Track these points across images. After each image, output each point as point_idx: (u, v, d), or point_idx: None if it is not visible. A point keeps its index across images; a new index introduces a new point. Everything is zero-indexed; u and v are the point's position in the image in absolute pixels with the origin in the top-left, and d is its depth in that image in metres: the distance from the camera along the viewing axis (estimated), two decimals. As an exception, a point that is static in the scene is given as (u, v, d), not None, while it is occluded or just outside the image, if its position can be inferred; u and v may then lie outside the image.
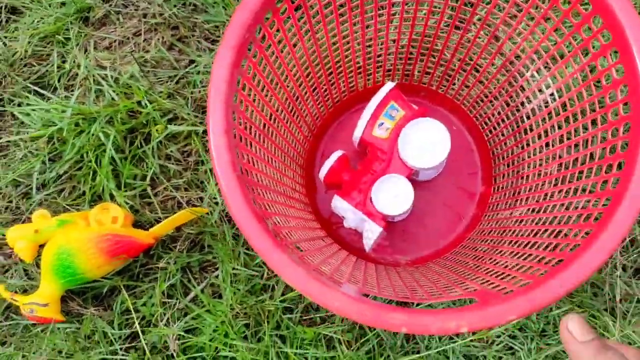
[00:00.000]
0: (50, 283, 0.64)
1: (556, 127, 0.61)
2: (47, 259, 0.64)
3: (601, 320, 0.71)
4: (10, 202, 0.74)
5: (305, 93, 0.69)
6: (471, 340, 0.72)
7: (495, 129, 0.74)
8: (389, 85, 0.71)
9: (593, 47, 0.50)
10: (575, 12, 0.50)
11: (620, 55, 0.44)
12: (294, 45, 0.60)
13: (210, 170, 0.76)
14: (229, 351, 0.70)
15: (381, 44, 0.70)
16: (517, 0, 0.56)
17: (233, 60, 0.47)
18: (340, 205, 0.70)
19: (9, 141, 0.77)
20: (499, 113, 0.72)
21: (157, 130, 0.73)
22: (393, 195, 0.67)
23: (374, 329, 0.72)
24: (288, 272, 0.42)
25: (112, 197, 0.74)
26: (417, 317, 0.40)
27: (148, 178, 0.74)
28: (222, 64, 0.46)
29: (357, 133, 0.71)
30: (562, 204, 0.55)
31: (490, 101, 0.72)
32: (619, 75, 0.45)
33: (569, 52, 0.54)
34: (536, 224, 0.58)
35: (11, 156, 0.76)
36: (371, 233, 0.69)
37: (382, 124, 0.70)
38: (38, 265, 0.71)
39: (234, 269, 0.72)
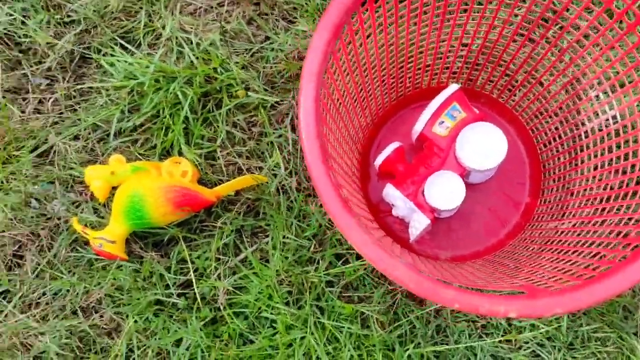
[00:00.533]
0: (120, 223, 0.69)
1: (613, 148, 0.64)
2: (120, 200, 0.69)
3: (628, 342, 0.74)
4: (87, 144, 0.79)
5: (376, 82, 0.73)
6: (500, 342, 0.75)
7: (550, 143, 0.77)
8: (454, 86, 0.74)
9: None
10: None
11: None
12: (377, 34, 0.63)
13: (271, 142, 0.81)
14: (271, 313, 0.74)
15: (452, 47, 0.74)
16: (586, 31, 0.59)
17: (330, 37, 0.50)
18: (392, 193, 0.74)
19: (91, 87, 0.82)
20: (556, 129, 0.74)
21: (237, 94, 0.77)
22: (446, 191, 0.70)
23: (408, 316, 0.76)
24: (356, 235, 0.46)
25: (179, 153, 0.79)
26: (469, 297, 0.44)
27: (219, 140, 0.78)
28: (321, 36, 0.50)
29: (418, 127, 0.74)
30: (609, 222, 0.58)
31: (550, 116, 0.75)
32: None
33: (629, 82, 0.57)
34: (579, 239, 0.61)
35: (92, 101, 0.81)
36: (418, 224, 0.72)
37: (443, 122, 0.73)
38: (108, 206, 0.76)
39: (285, 237, 0.76)
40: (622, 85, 0.58)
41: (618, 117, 0.63)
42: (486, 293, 0.45)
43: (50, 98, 0.82)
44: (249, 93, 0.80)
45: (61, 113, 0.81)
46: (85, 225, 0.73)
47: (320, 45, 0.50)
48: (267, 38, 0.85)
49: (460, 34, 0.70)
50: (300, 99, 0.49)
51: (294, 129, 0.81)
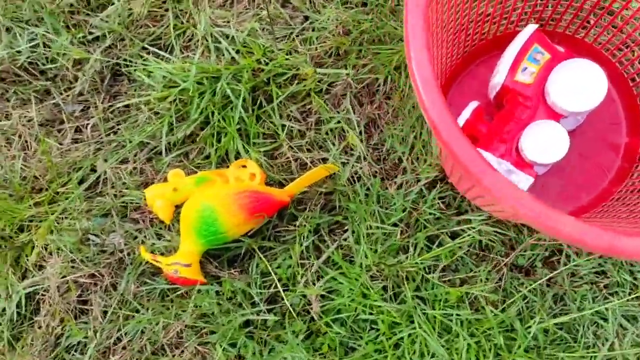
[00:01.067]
0: (192, 243, 0.62)
1: None
2: (189, 217, 0.62)
3: None
4: (136, 165, 0.72)
5: (445, 34, 0.65)
6: (628, 300, 0.67)
7: (641, 74, 0.68)
8: (531, 27, 0.66)
9: None
10: None
11: None
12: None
13: (331, 130, 0.73)
14: (370, 313, 0.67)
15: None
16: None
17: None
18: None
19: (128, 104, 0.75)
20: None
21: (306, 74, 0.70)
22: (548, 142, 0.62)
23: (519, 290, 0.68)
24: (508, 190, 0.38)
25: (236, 157, 0.72)
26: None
27: (283, 134, 0.71)
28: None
29: (498, 79, 0.66)
30: None
31: (637, 45, 0.66)
32: None
33: None
34: None
35: (133, 119, 0.74)
36: (521, 184, 0.64)
37: (526, 68, 0.65)
38: (174, 227, 0.69)
39: (369, 227, 0.68)
40: None
41: None
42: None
43: (87, 124, 0.75)
44: (295, 81, 0.73)
45: (102, 138, 0.74)
46: (153, 253, 0.66)
47: None
48: (306, 18, 0.78)
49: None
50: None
51: (354, 110, 0.74)
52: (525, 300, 0.68)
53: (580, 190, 0.71)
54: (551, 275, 0.69)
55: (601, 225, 0.39)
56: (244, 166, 0.67)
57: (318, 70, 0.73)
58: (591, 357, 0.65)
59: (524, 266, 0.70)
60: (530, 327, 0.66)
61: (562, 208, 0.70)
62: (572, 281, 0.69)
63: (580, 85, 0.62)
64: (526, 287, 0.68)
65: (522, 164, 0.64)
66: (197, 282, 0.63)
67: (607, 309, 0.66)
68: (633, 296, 0.66)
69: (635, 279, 0.68)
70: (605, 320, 0.66)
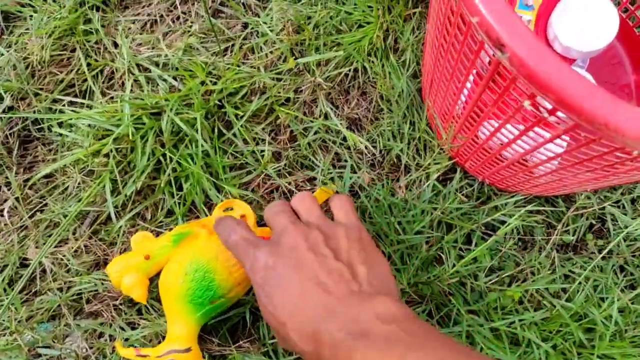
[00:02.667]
0: (185, 319, 0.46)
1: None
2: (175, 287, 0.46)
3: None
4: (81, 243, 0.55)
5: None
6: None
7: (633, 3, 0.62)
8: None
9: None
10: None
11: None
12: None
13: (310, 143, 0.61)
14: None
15: None
16: None
17: None
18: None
19: (48, 175, 0.59)
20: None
21: (289, 63, 0.57)
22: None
23: (576, 271, 0.57)
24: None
25: (206, 203, 0.57)
26: None
27: (259, 161, 0.57)
28: None
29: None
30: None
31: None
32: None
33: None
34: None
35: (61, 188, 0.58)
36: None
37: (520, 17, 0.56)
38: (154, 307, 0.53)
39: (391, 244, 0.56)
40: None
41: None
42: None
43: (2, 210, 0.58)
44: (253, 98, 0.60)
45: (24, 222, 0.57)
46: (135, 347, 0.49)
47: None
48: (246, 25, 0.66)
49: None
50: None
51: (329, 114, 0.62)
52: (587, 282, 0.57)
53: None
54: (601, 245, 0.59)
55: None
56: (230, 208, 0.53)
57: (276, 77, 0.61)
58: (685, 325, 0.55)
59: (571, 243, 0.60)
60: (605, 311, 0.55)
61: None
62: (629, 245, 0.59)
63: (590, 21, 0.54)
64: (582, 267, 0.58)
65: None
66: None
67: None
68: None
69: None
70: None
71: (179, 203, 0.57)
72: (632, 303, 0.57)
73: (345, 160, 0.60)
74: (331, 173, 0.60)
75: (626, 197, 0.61)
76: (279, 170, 0.60)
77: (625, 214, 0.60)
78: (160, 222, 0.57)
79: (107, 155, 0.57)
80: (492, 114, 0.45)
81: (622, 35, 0.64)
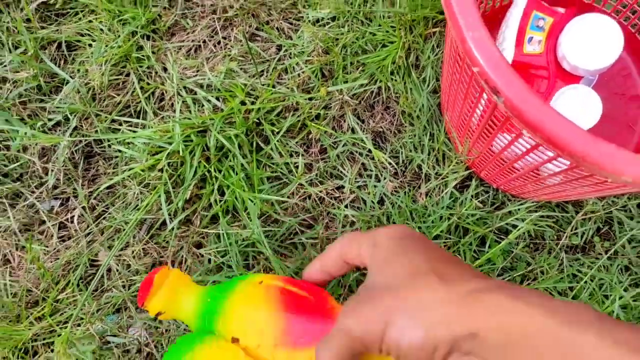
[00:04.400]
0: None
1: None
2: None
3: None
4: (138, 245, 0.64)
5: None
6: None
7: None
8: (523, -4, 0.63)
9: None
10: None
11: None
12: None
13: (337, 156, 0.67)
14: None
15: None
16: None
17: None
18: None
19: (110, 186, 0.67)
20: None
21: (320, 92, 0.64)
22: (578, 109, 0.58)
23: (583, 271, 0.63)
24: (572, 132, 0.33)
25: (235, 211, 0.64)
26: None
27: (296, 172, 0.64)
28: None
29: (506, 57, 0.62)
30: None
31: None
32: None
33: None
34: None
35: (122, 199, 0.66)
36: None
37: (532, 38, 0.62)
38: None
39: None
40: None
41: None
42: None
43: (72, 217, 0.67)
44: (288, 114, 0.67)
45: (91, 228, 0.66)
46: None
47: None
48: (280, 47, 0.72)
49: None
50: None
51: (354, 129, 0.68)
52: (594, 281, 0.63)
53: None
54: (609, 247, 0.64)
55: None
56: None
57: (307, 99, 0.67)
58: (684, 321, 0.60)
59: (579, 245, 0.65)
60: (608, 307, 0.61)
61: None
62: (634, 247, 0.64)
63: (596, 41, 0.59)
64: (589, 267, 0.63)
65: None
66: None
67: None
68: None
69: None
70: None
71: (223, 210, 0.64)
72: (635, 300, 0.62)
73: (371, 170, 0.67)
74: (358, 182, 0.67)
75: (632, 202, 0.66)
76: (311, 180, 0.67)
77: (632, 218, 0.65)
78: (205, 226, 0.65)
79: (160, 170, 0.65)
80: (505, 128, 0.51)
81: (630, 48, 0.68)
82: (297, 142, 0.69)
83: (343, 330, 0.31)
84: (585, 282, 0.62)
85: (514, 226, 0.64)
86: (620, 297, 0.60)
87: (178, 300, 0.39)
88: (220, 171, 0.64)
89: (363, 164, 0.68)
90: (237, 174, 0.63)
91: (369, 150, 0.68)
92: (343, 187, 0.67)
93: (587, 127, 0.58)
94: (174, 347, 0.38)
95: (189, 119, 0.66)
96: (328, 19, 0.73)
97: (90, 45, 0.72)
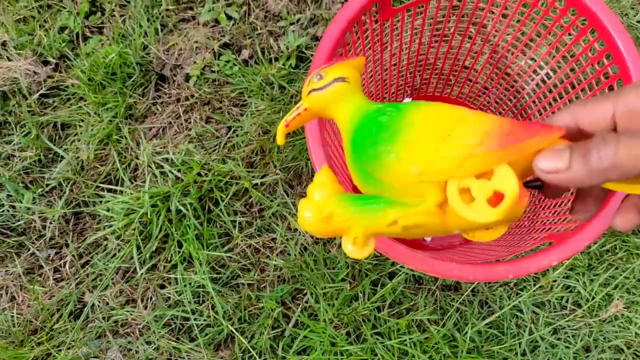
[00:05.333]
0: None
1: (557, 99, 0.75)
2: None
3: (632, 242, 0.85)
4: (115, 287, 0.84)
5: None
6: (535, 291, 0.84)
7: (499, 115, 0.88)
8: (406, 100, 0.85)
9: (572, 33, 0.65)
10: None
11: (597, 30, 0.59)
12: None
13: (274, 213, 0.88)
14: (341, 357, 0.81)
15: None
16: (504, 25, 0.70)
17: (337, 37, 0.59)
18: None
19: (94, 239, 0.87)
20: (500, 100, 0.86)
21: (245, 185, 0.85)
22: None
23: (452, 305, 0.84)
24: (404, 254, 0.54)
25: (189, 262, 0.85)
26: (518, 264, 0.53)
27: (235, 230, 0.85)
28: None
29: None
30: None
31: (484, 92, 0.86)
32: (600, 47, 0.60)
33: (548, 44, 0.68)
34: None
35: (103, 249, 0.86)
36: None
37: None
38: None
39: (324, 287, 0.83)
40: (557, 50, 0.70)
41: (550, 72, 0.75)
42: (532, 253, 0.54)
43: (65, 263, 0.86)
44: (234, 182, 0.88)
45: (79, 273, 0.86)
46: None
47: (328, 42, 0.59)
48: (229, 128, 0.93)
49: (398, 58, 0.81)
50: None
51: (287, 193, 0.89)
52: (459, 312, 0.84)
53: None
54: (474, 286, 0.86)
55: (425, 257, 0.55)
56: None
57: (249, 170, 0.88)
58: (518, 343, 0.82)
59: (451, 284, 0.87)
60: (466, 332, 0.82)
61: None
62: (490, 286, 0.86)
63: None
64: (457, 301, 0.85)
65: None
66: None
67: (520, 302, 0.84)
68: (536, 287, 0.84)
69: (535, 273, 0.86)
70: (521, 311, 0.84)
71: (180, 259, 0.85)
72: (489, 327, 0.84)
73: (296, 228, 0.88)
74: (287, 235, 0.88)
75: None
76: (251, 233, 0.88)
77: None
78: (169, 270, 0.85)
79: (133, 228, 0.85)
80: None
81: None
82: (241, 204, 0.89)
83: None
84: (452, 314, 0.83)
85: (402, 268, 0.86)
86: (474, 325, 0.82)
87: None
88: (179, 228, 0.85)
89: (290, 221, 0.89)
90: (190, 231, 0.84)
91: (296, 211, 0.89)
92: (275, 239, 0.88)
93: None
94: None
95: (156, 187, 0.87)
96: (267, 107, 0.94)
97: (80, 125, 0.92)
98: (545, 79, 0.74)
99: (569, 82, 0.69)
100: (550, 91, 0.74)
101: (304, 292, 0.85)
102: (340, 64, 0.38)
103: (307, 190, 0.37)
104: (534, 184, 0.36)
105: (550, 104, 0.76)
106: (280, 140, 0.40)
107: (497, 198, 0.32)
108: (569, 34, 0.67)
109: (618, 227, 0.34)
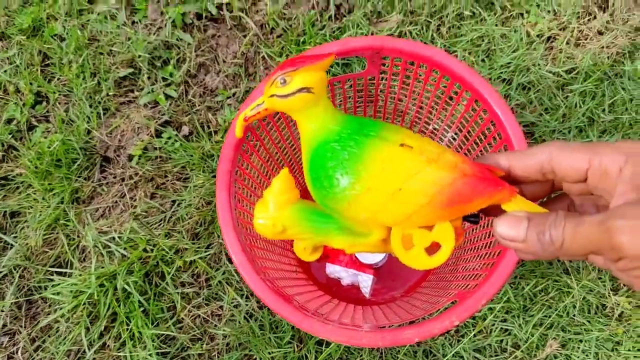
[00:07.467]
0: None
1: (467, 154, 0.81)
2: None
3: (562, 281, 0.89)
4: (68, 370, 0.86)
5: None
6: (475, 335, 0.88)
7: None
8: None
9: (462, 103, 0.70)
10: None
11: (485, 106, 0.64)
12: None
13: (220, 282, 0.91)
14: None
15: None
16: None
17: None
18: (333, 269, 0.87)
19: (48, 323, 0.90)
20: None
21: (181, 263, 0.88)
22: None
23: (397, 357, 0.87)
24: (321, 330, 0.58)
25: (139, 338, 0.87)
26: (422, 328, 0.57)
27: (178, 304, 0.88)
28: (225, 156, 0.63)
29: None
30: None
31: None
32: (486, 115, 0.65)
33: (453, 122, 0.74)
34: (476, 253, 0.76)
35: (54, 332, 0.88)
36: (365, 282, 0.85)
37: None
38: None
39: (270, 353, 0.86)
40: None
41: (454, 135, 0.80)
42: (434, 316, 0.58)
43: (17, 349, 0.88)
44: (180, 254, 0.92)
45: (32, 358, 0.88)
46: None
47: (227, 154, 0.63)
48: (174, 202, 0.97)
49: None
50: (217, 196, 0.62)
51: (230, 262, 0.92)
52: (405, 364, 0.87)
53: (407, 271, 0.93)
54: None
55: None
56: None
57: (194, 241, 0.92)
58: (460, 391, 0.85)
59: (395, 337, 0.90)
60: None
61: (408, 283, 0.92)
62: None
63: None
64: (402, 353, 0.88)
65: (362, 267, 0.85)
66: None
67: (461, 349, 0.87)
68: (475, 332, 0.88)
69: (473, 319, 0.89)
70: (463, 358, 0.87)
71: (129, 336, 0.87)
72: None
73: (244, 292, 0.91)
74: (234, 302, 0.91)
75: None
76: (199, 303, 0.91)
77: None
78: (118, 349, 0.87)
79: (82, 309, 0.87)
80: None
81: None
82: (187, 275, 0.93)
83: (609, 232, 0.27)
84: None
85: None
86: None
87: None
88: (126, 305, 0.88)
89: (237, 288, 0.92)
90: (137, 309, 0.87)
91: (241, 279, 0.92)
92: (223, 307, 0.91)
93: (381, 258, 0.84)
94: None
95: (103, 267, 0.90)
96: (209, 178, 0.98)
97: (28, 212, 0.96)
98: (452, 140, 0.79)
99: (472, 142, 0.74)
100: (461, 147, 0.80)
101: (254, 358, 0.88)
102: (307, 69, 0.37)
103: (264, 193, 0.42)
104: (471, 220, 0.38)
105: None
106: (239, 133, 0.41)
107: (434, 245, 0.36)
108: (459, 104, 0.72)
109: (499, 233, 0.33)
